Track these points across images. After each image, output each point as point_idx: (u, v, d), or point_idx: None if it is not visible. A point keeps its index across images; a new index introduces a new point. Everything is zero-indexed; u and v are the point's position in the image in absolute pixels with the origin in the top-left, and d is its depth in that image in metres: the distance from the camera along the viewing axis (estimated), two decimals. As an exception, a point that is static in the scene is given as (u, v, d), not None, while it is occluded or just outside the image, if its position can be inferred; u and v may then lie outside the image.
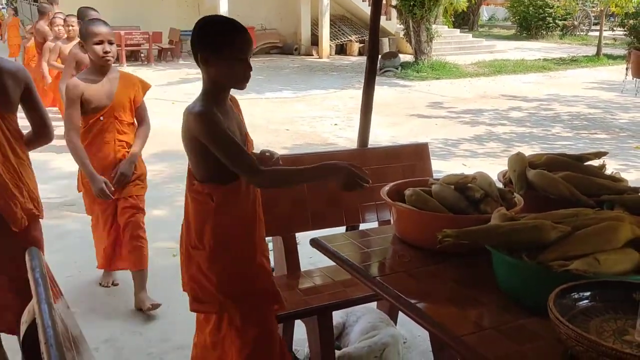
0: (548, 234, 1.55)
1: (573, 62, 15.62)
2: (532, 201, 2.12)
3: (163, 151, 6.99)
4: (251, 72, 2.00)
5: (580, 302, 1.38)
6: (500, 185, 2.21)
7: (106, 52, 3.10)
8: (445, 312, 1.55)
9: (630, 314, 1.34)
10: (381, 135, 8.35)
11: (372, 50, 2.98)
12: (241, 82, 1.99)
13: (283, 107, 10.36)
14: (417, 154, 3.15)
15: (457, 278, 1.75)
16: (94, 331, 3.19)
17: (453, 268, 1.80)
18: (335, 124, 9.11)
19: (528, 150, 7.67)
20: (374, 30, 2.94)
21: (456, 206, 1.98)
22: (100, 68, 3.18)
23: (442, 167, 6.71)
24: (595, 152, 2.31)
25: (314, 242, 2.05)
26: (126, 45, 14.82)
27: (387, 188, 2.13)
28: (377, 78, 12.25)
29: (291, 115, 9.86)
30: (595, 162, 2.29)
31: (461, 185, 2.02)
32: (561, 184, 2.04)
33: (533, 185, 2.13)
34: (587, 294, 1.39)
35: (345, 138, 8.25)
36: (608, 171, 2.29)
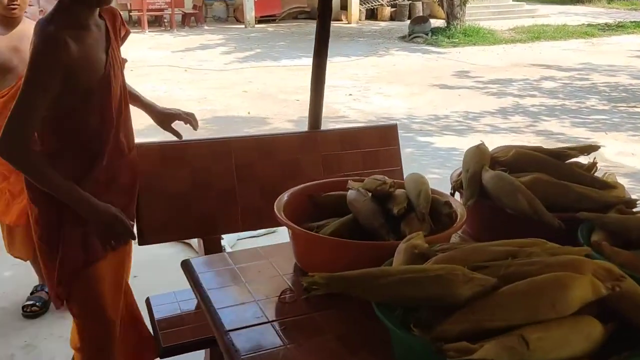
0: (457, 289, 1.00)
1: (619, 27, 14.44)
2: (486, 215, 1.56)
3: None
4: None
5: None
6: (447, 190, 1.65)
7: (11, 1, 2.54)
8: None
9: None
10: (397, 107, 7.71)
11: (322, 8, 2.41)
12: None
13: (299, 76, 9.73)
14: (383, 138, 2.58)
15: (345, 334, 1.21)
16: (11, 336, 2.80)
17: (343, 316, 1.26)
18: (350, 94, 8.50)
19: (556, 126, 6.93)
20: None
21: (370, 224, 1.43)
22: (4, 19, 2.63)
23: (456, 144, 6.07)
24: (584, 145, 1.70)
25: (184, 265, 1.53)
26: (148, 10, 14.39)
27: (286, 196, 1.58)
28: (404, 44, 11.47)
29: (306, 84, 9.23)
30: (583, 160, 1.70)
31: (380, 193, 1.47)
32: (521, 193, 1.46)
33: (488, 193, 1.55)
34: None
35: (358, 110, 7.66)
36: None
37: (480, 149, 1.70)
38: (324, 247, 1.38)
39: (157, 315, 2.01)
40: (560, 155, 1.65)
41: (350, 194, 1.53)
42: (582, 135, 6.51)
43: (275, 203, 1.51)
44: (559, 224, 1.37)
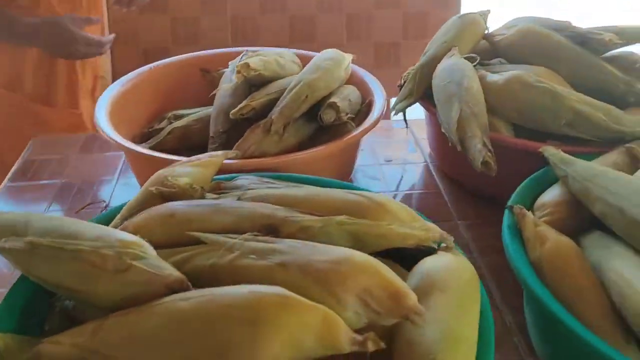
0: (99, 283, 0.53)
1: None
2: (438, 131, 1.00)
3: None
4: None
5: None
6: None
7: None
8: None
9: None
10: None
11: None
12: None
13: None
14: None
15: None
16: None
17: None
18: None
19: None
20: None
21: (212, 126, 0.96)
22: None
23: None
24: (634, 27, 0.97)
25: None
26: None
27: (151, 67, 1.12)
28: None
29: None
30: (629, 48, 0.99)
31: (255, 78, 0.96)
32: (460, 100, 0.85)
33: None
34: None
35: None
36: None
37: (466, 20, 1.06)
38: (139, 160, 0.94)
39: None
40: (587, 39, 0.96)
41: (226, 75, 1.05)
42: None
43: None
44: (484, 165, 0.77)
